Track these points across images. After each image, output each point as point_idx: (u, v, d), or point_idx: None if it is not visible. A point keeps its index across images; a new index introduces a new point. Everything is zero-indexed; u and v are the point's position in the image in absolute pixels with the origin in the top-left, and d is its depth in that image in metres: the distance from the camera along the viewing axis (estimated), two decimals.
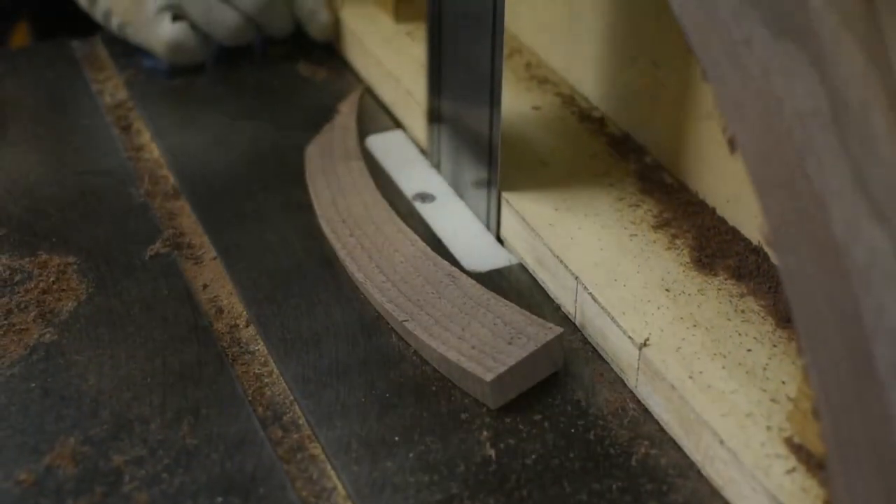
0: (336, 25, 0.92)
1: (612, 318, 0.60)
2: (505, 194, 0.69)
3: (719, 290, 0.62)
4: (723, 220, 0.66)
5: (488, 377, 0.57)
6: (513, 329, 0.60)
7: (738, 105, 0.45)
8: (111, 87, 0.87)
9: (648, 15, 0.70)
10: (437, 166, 0.77)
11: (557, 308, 0.65)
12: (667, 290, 0.61)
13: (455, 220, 0.72)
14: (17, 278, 0.66)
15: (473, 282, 0.64)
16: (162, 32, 0.87)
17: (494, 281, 0.67)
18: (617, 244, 0.65)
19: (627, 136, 0.75)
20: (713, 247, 0.64)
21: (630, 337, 0.58)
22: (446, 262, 0.66)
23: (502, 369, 0.57)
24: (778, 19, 0.44)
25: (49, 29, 1.32)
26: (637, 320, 0.59)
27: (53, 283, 0.66)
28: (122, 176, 0.76)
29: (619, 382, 0.60)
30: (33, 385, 0.59)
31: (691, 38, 0.46)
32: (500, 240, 0.71)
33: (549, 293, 0.66)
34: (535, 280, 0.67)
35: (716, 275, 0.63)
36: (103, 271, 0.67)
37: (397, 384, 0.59)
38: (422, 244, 0.67)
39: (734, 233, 0.65)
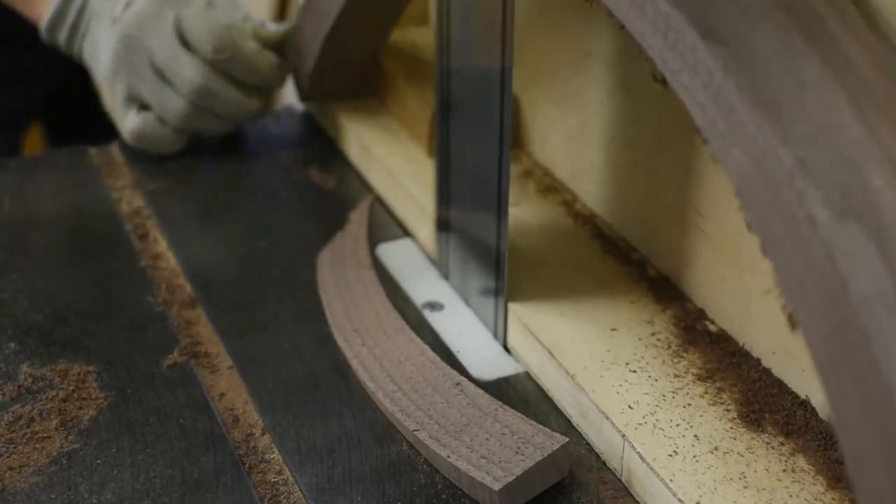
0: (267, 108, 0.95)
1: (662, 480, 0.59)
2: (514, 306, 0.71)
3: (768, 447, 0.61)
4: (768, 372, 0.66)
5: (496, 486, 0.58)
6: (520, 439, 0.62)
7: (801, 285, 0.44)
8: (128, 195, 0.90)
9: (694, 165, 0.70)
10: (445, 276, 0.79)
11: (561, 414, 0.67)
12: (716, 447, 0.61)
13: (463, 329, 0.74)
14: (38, 386, 0.68)
15: (481, 391, 0.66)
16: (127, 122, 0.92)
17: (502, 389, 0.69)
18: (663, 398, 0.64)
19: (668, 281, 0.75)
20: (760, 401, 0.64)
21: (681, 500, 0.58)
22: (455, 372, 0.68)
23: (510, 479, 0.59)
24: (840, 199, 0.43)
25: (62, 134, 1.36)
26: (687, 481, 0.59)
27: (74, 391, 0.68)
28: (139, 284, 0.78)
29: (622, 489, 0.62)
30: (55, 494, 0.60)
31: (752, 213, 0.46)
32: (506, 348, 0.73)
33: (594, 448, 0.65)
34: (540, 388, 0.69)
35: (764, 431, 0.62)
36: (122, 380, 0.69)
37: (409, 492, 0.61)
38: (431, 353, 0.70)
39: (780, 385, 0.65)
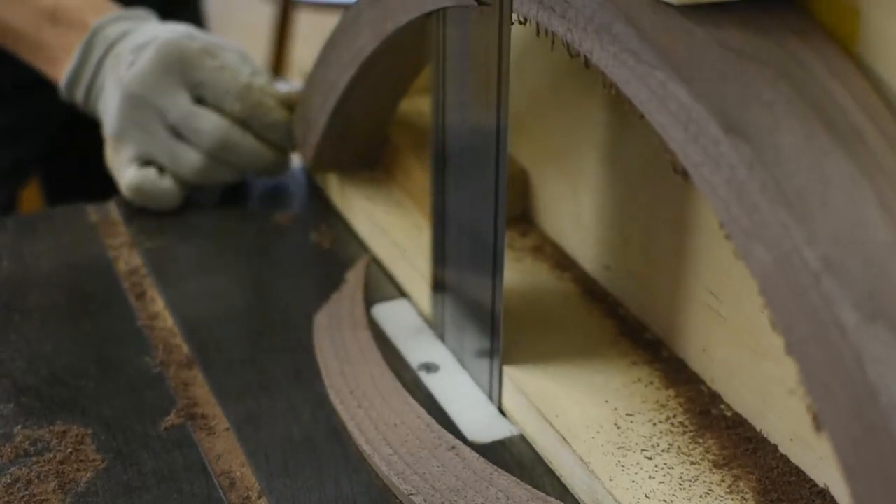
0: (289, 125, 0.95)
1: None
2: (513, 372, 0.72)
3: None
4: (786, 460, 0.65)
5: None
6: (514, 503, 0.62)
7: (827, 388, 0.43)
8: (125, 253, 0.91)
9: (709, 247, 0.69)
10: (441, 337, 0.80)
11: (555, 477, 0.67)
12: None
13: (459, 390, 0.75)
14: (35, 448, 0.68)
15: (477, 455, 0.66)
16: (126, 176, 0.93)
17: (497, 452, 0.69)
18: (680, 486, 0.63)
19: (681, 363, 0.73)
20: (778, 490, 0.62)
21: None
22: (450, 435, 0.68)
23: None
24: (868, 301, 0.42)
25: (60, 189, 1.36)
26: None
27: (71, 453, 0.68)
28: (137, 345, 0.79)
29: None
30: None
31: (776, 314, 0.45)
32: (501, 410, 0.73)
33: None
34: (535, 452, 0.69)
35: None
36: (120, 442, 0.69)
37: None
38: (427, 416, 0.70)
39: (798, 473, 0.63)
